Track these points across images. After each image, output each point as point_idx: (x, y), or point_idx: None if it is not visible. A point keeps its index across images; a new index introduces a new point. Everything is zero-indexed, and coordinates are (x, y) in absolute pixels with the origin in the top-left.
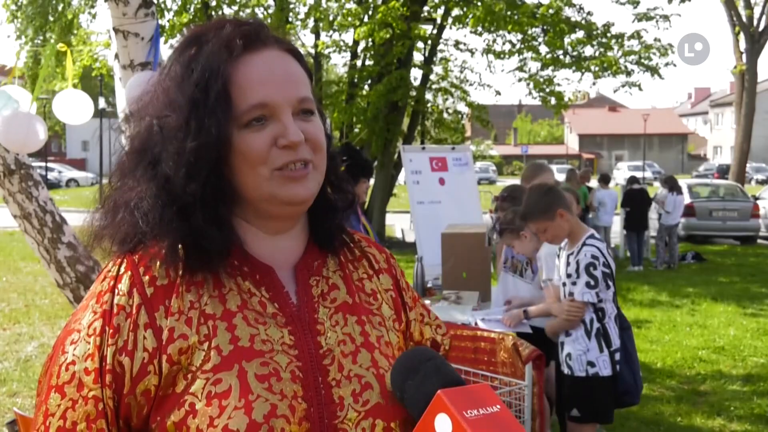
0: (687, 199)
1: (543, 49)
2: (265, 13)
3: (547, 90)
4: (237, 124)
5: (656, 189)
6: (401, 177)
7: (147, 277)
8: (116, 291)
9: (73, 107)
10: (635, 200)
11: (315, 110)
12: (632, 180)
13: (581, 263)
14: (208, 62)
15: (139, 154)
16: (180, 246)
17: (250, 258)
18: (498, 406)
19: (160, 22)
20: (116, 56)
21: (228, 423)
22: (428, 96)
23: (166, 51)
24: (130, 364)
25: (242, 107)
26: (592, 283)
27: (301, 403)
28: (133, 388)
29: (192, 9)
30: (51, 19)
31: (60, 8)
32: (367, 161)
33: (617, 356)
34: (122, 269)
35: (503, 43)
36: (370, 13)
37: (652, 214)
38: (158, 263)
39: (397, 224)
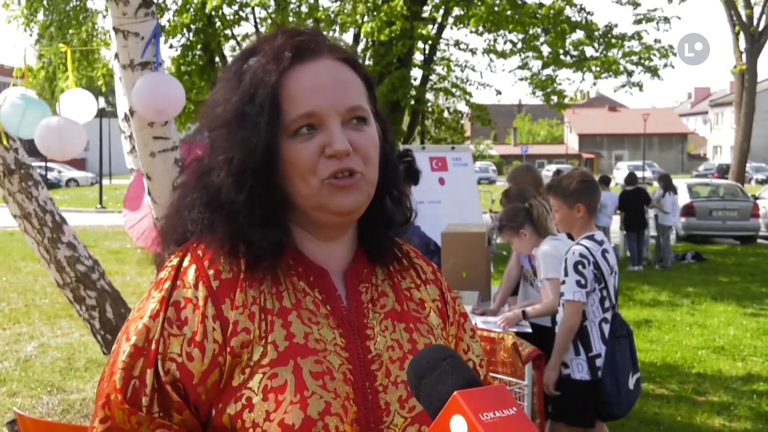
0: (687, 198)
1: (545, 49)
2: (266, 13)
3: (549, 89)
4: (286, 133)
5: (656, 188)
6: None
7: (212, 271)
8: (182, 283)
9: (77, 106)
10: (630, 201)
11: (369, 118)
12: (629, 180)
13: (569, 261)
14: (255, 73)
15: (196, 164)
16: (238, 242)
17: (305, 259)
18: (514, 409)
19: (160, 21)
20: (116, 56)
21: (284, 417)
22: (429, 96)
23: (166, 51)
24: (201, 356)
25: (291, 116)
26: (583, 281)
27: (352, 405)
28: (204, 380)
29: (192, 9)
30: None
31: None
32: (416, 169)
33: (598, 362)
34: (186, 262)
35: (504, 43)
36: (373, 13)
37: (652, 213)
38: (222, 257)
39: None
